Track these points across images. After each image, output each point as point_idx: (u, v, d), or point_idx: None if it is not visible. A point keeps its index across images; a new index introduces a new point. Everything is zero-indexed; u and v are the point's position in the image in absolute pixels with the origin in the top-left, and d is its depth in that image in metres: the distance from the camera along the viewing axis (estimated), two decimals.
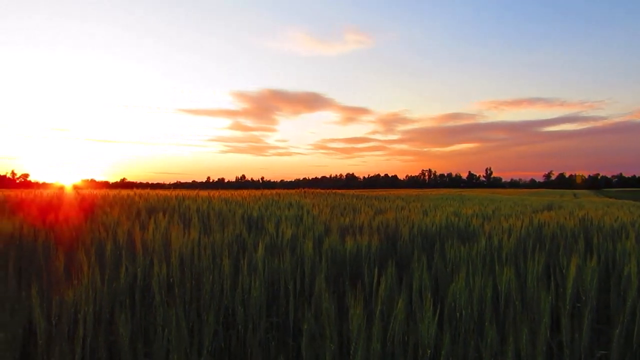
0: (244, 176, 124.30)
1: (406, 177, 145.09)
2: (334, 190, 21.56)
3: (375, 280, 2.10)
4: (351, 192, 25.11)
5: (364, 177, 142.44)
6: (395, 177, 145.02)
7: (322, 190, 18.94)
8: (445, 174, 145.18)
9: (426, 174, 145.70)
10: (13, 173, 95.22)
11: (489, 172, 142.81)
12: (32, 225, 3.37)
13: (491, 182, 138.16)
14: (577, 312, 2.12)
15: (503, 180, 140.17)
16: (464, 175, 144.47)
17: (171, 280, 2.21)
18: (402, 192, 32.01)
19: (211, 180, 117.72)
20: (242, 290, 2.06)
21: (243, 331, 1.90)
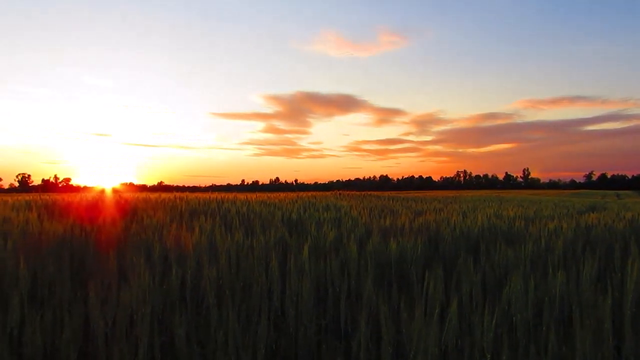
0: (277, 178, 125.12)
1: (441, 178, 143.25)
2: (368, 192, 21.46)
3: (426, 283, 2.07)
4: (386, 194, 24.94)
5: (397, 179, 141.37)
6: (429, 178, 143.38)
7: (357, 192, 18.88)
8: (481, 175, 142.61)
9: (461, 175, 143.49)
10: (56, 177, 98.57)
11: (526, 172, 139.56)
12: (82, 227, 3.47)
13: (529, 183, 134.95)
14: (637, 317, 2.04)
15: (541, 181, 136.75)
16: (501, 176, 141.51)
17: (220, 282, 2.24)
18: (438, 193, 31.60)
19: (245, 183, 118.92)
20: (291, 292, 2.06)
21: (295, 333, 1.90)
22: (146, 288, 1.84)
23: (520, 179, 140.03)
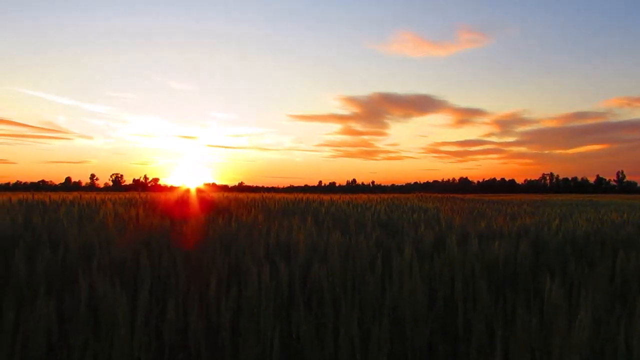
0: (354, 180, 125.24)
1: (525, 181, 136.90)
2: (450, 195, 20.96)
3: (547, 288, 1.96)
4: (467, 196, 24.23)
5: (478, 181, 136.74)
6: (512, 181, 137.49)
7: (439, 195, 18.51)
8: (570, 178, 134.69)
9: (547, 178, 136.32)
10: (145, 177, 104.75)
11: (620, 175, 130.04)
12: (186, 223, 3.64)
13: (623, 186, 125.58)
14: None
15: (639, 184, 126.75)
16: (592, 180, 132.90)
17: (330, 280, 2.25)
18: (523, 197, 30.22)
19: (322, 184, 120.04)
20: (402, 293, 2.04)
21: (411, 334, 1.87)
22: (265, 285, 1.88)
23: (613, 183, 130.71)
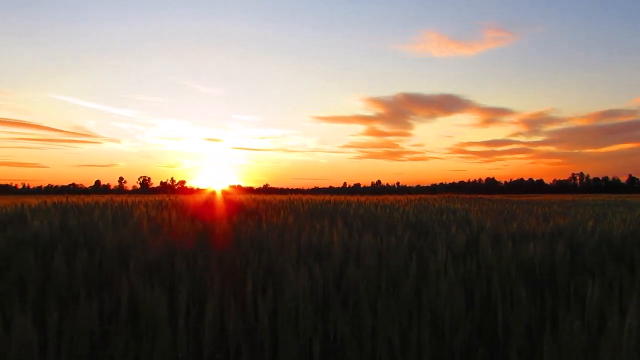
0: (379, 181, 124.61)
1: (553, 181, 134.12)
2: (478, 195, 20.69)
3: (590, 290, 1.91)
4: (495, 197, 23.87)
5: (505, 182, 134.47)
6: (540, 181, 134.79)
7: (467, 195, 18.30)
8: (601, 178, 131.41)
9: (577, 177, 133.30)
10: (172, 179, 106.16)
11: None
12: (219, 225, 3.68)
13: None
14: None
15: None
16: (623, 179, 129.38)
17: (365, 281, 2.24)
18: (552, 197, 29.63)
19: (347, 185, 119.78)
20: (439, 294, 2.01)
21: (450, 336, 1.85)
22: (303, 286, 1.88)
23: None
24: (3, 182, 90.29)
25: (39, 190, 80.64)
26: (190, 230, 3.53)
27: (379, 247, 3.00)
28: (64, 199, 6.66)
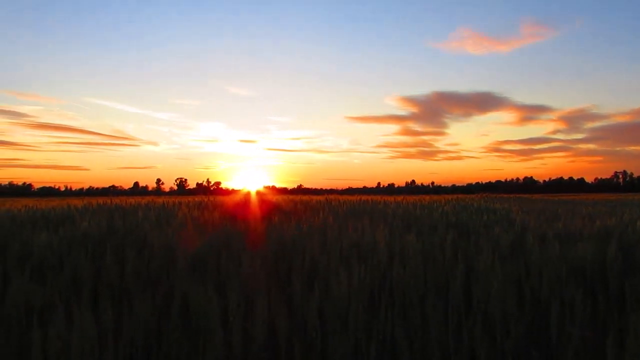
0: (413, 181, 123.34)
1: (595, 179, 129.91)
2: (516, 195, 20.26)
3: None
4: (535, 196, 23.33)
5: (544, 181, 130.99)
6: (581, 180, 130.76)
7: (505, 195, 17.94)
8: None
9: (620, 176, 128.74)
10: (208, 181, 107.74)
11: None
12: (262, 226, 3.72)
13: None
14: None
15: None
16: None
17: (411, 281, 2.22)
18: (594, 196, 28.74)
19: (381, 186, 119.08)
20: (490, 294, 1.98)
21: (501, 337, 1.82)
22: (354, 285, 1.88)
23: None
24: (47, 185, 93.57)
25: (81, 192, 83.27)
26: (233, 230, 3.58)
27: (422, 247, 2.97)
28: (108, 201, 6.86)
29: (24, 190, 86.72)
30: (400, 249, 2.94)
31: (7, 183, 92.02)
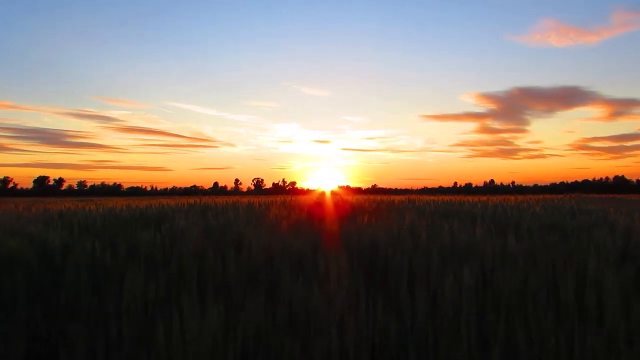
0: (492, 181, 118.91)
1: None
2: (608, 195, 19.03)
3: None
4: (631, 197, 21.79)
5: (637, 180, 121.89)
6: None
7: (596, 195, 16.89)
8: None
9: None
10: (284, 181, 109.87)
11: None
12: (352, 226, 3.73)
13: None
14: None
15: None
16: None
17: (515, 284, 2.14)
18: None
19: (458, 185, 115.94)
20: (607, 299, 1.86)
21: (626, 350, 1.70)
22: (464, 288, 1.84)
23: None
24: (135, 185, 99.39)
25: (165, 192, 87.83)
26: (323, 229, 3.62)
27: (522, 249, 2.86)
28: (198, 200, 7.17)
29: (114, 190, 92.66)
30: (501, 251, 2.84)
31: (99, 183, 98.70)
